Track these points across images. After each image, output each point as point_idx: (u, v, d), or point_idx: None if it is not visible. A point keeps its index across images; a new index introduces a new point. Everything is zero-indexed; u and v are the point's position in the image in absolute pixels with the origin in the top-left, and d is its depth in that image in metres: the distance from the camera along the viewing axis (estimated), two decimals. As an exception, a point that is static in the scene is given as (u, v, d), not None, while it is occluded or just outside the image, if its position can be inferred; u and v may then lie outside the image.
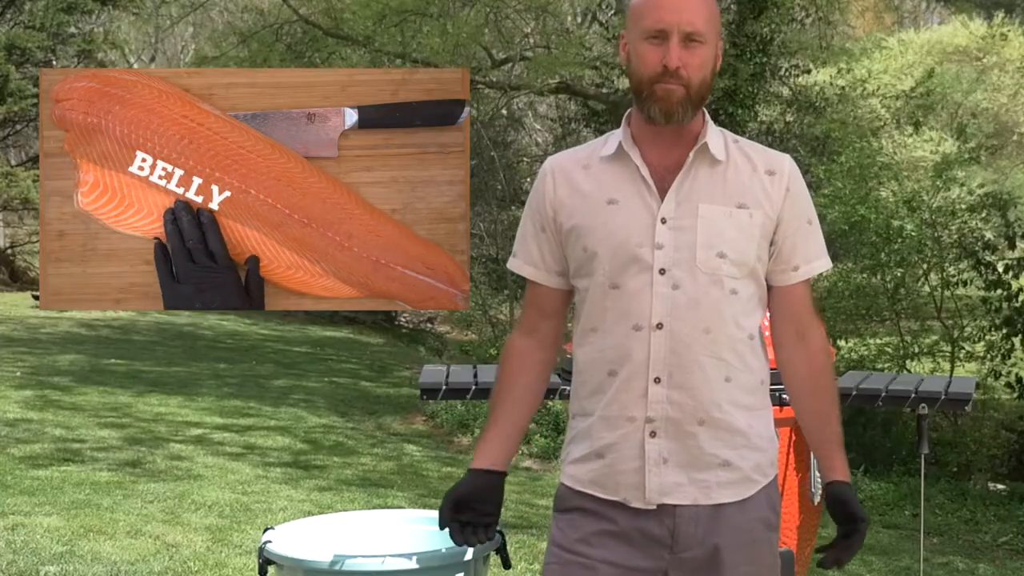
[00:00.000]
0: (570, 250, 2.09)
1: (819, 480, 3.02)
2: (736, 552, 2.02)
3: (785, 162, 2.08)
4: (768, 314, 2.16)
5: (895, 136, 13.23)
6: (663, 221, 2.00)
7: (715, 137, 2.05)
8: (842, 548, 2.05)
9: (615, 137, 2.09)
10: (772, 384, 2.14)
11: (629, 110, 2.10)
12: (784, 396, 2.89)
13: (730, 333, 2.01)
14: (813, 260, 2.10)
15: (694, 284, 1.99)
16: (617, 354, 2.02)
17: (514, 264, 2.18)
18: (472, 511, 2.10)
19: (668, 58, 1.95)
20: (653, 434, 2.00)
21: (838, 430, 2.11)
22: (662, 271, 1.99)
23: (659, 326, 1.99)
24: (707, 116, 2.07)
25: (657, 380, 1.99)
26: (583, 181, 2.08)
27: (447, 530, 2.10)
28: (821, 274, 2.69)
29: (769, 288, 2.12)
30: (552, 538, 2.11)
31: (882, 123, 14.57)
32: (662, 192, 2.02)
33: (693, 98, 1.99)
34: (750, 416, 2.05)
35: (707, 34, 1.98)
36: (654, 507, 2.01)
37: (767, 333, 2.15)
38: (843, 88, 14.78)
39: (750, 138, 2.20)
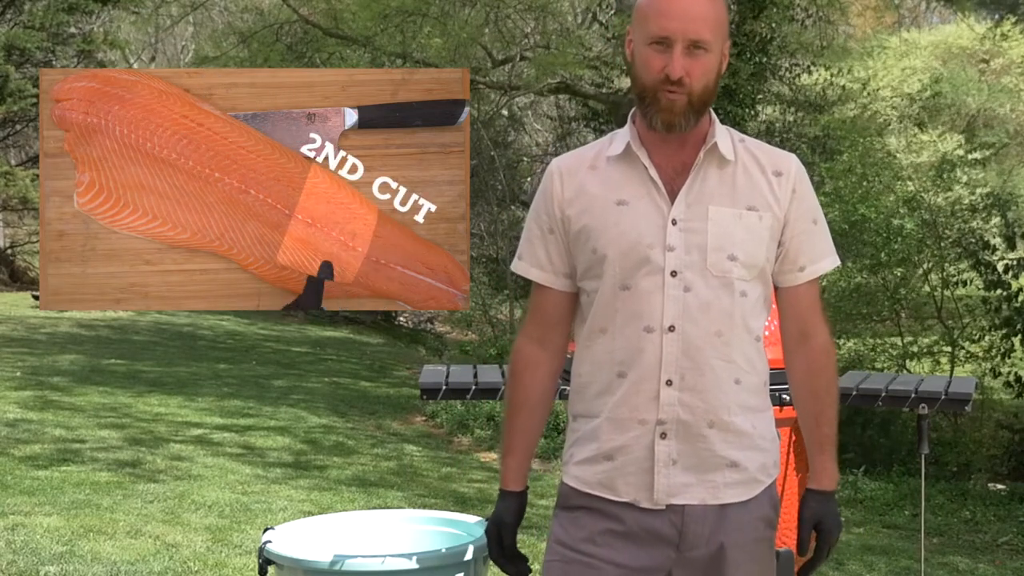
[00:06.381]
0: (578, 251, 2.07)
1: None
2: (740, 551, 2.03)
3: (792, 162, 2.08)
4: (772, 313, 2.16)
5: (897, 137, 13.22)
6: (674, 223, 1.99)
7: (723, 137, 2.04)
8: (811, 559, 2.12)
9: (621, 137, 2.07)
10: (772, 384, 2.14)
11: (634, 108, 2.08)
12: (784, 396, 2.89)
13: (740, 335, 2.02)
14: (819, 260, 2.10)
15: (705, 287, 1.99)
16: (627, 355, 2.01)
17: (520, 267, 2.16)
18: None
19: (671, 67, 1.93)
20: (664, 436, 2.00)
21: (831, 434, 2.11)
22: (673, 273, 1.98)
23: (671, 329, 1.98)
24: (714, 115, 2.05)
25: (669, 383, 1.99)
26: (591, 182, 2.06)
27: (502, 559, 2.18)
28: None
29: (776, 288, 2.12)
30: (554, 535, 2.10)
31: (887, 124, 14.57)
32: (671, 193, 2.01)
33: (695, 105, 1.97)
34: (755, 417, 2.05)
35: (713, 41, 1.96)
36: (663, 507, 2.01)
37: (766, 333, 2.15)
38: (843, 88, 14.78)
39: (750, 136, 2.19)
